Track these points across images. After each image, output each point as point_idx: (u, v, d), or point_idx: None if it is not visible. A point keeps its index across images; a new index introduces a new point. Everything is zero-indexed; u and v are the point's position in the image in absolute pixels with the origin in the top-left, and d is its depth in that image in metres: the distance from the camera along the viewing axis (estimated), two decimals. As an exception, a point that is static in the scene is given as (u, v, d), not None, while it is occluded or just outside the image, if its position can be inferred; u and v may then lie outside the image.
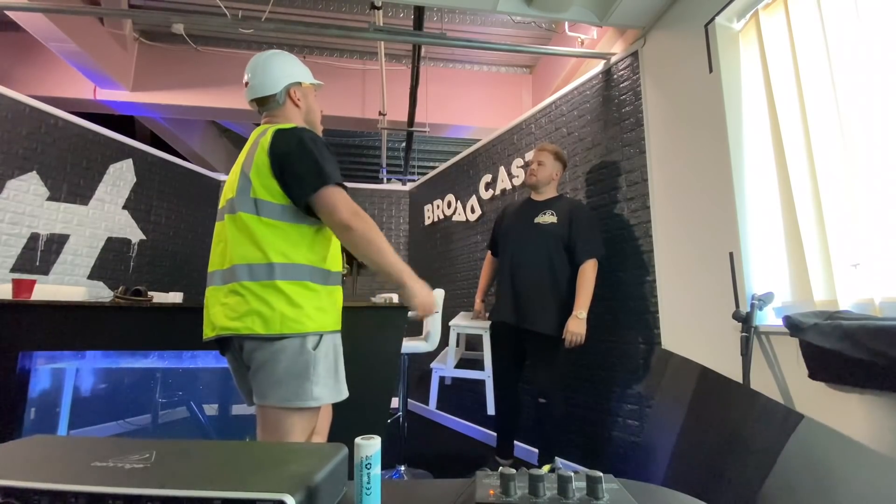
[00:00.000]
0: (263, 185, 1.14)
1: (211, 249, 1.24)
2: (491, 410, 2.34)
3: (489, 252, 2.52)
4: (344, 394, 1.20)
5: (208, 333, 1.17)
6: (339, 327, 1.24)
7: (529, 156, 2.91)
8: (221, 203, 1.25)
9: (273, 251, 1.12)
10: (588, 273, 2.06)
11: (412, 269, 1.22)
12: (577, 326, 1.98)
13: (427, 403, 2.94)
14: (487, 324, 2.41)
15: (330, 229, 1.18)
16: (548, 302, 2.07)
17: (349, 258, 2.26)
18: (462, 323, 2.59)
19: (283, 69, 1.30)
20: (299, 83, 1.33)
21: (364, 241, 1.13)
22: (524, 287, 2.13)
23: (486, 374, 2.45)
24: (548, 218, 2.16)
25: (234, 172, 1.23)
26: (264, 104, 1.30)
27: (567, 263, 2.11)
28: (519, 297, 2.14)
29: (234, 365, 1.22)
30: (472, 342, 3.07)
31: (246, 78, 1.30)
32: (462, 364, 2.66)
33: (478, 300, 2.56)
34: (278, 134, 1.19)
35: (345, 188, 1.18)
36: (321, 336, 1.15)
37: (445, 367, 2.53)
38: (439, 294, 2.60)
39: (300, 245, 1.16)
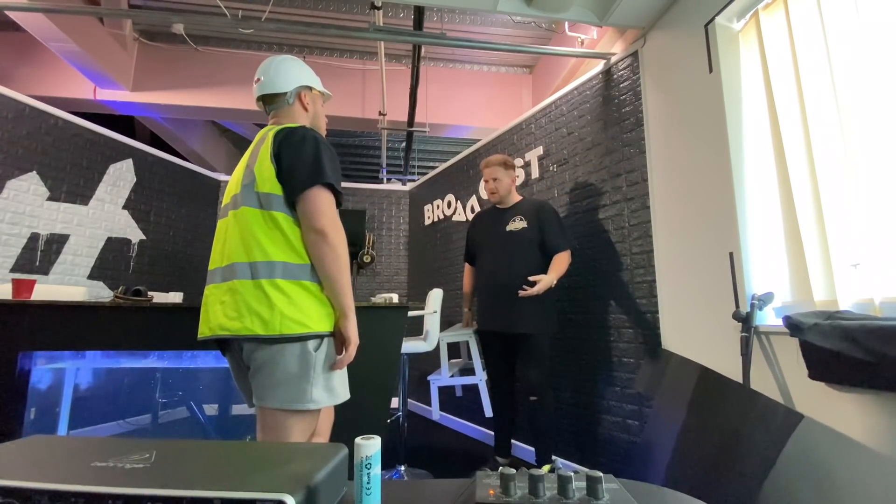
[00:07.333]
0: (267, 178, 1.14)
1: (212, 247, 1.23)
2: (489, 413, 2.45)
3: (466, 264, 2.60)
4: (344, 396, 1.18)
5: (205, 332, 1.14)
6: None
7: (529, 155, 2.92)
8: (225, 200, 1.24)
9: (274, 249, 1.11)
10: (562, 258, 2.17)
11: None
12: (542, 284, 2.06)
13: (430, 413, 3.08)
14: (470, 330, 2.58)
15: (303, 229, 1.14)
16: (527, 303, 2.13)
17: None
18: (447, 334, 2.74)
19: (296, 72, 1.33)
20: (310, 88, 1.35)
21: (334, 254, 1.11)
22: (503, 293, 2.20)
23: (479, 378, 2.58)
24: (518, 224, 2.26)
25: (239, 170, 1.23)
26: (272, 102, 1.31)
27: (541, 263, 2.19)
28: (499, 303, 2.22)
29: (235, 365, 1.21)
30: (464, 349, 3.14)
31: (257, 76, 1.32)
32: (460, 373, 2.81)
33: (465, 309, 2.67)
34: (284, 129, 1.20)
35: (338, 193, 1.17)
36: (322, 338, 1.13)
37: (441, 377, 2.67)
38: (438, 294, 2.60)
39: (301, 245, 1.14)
